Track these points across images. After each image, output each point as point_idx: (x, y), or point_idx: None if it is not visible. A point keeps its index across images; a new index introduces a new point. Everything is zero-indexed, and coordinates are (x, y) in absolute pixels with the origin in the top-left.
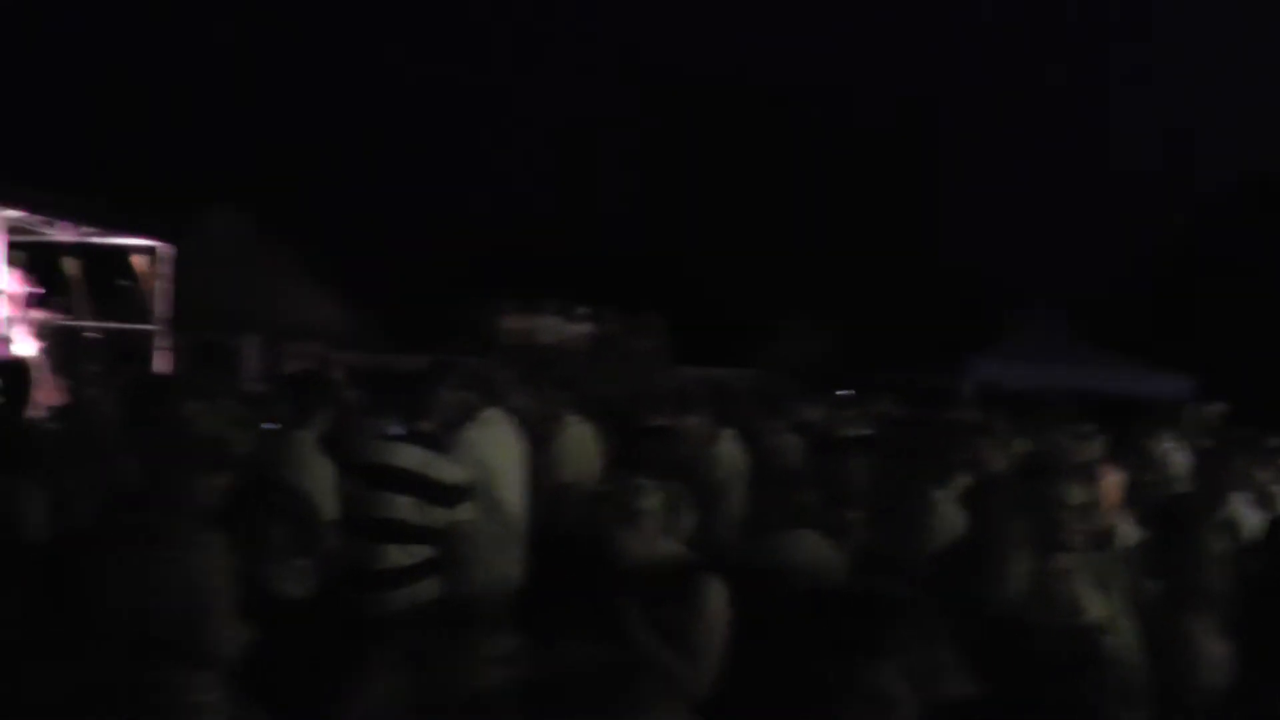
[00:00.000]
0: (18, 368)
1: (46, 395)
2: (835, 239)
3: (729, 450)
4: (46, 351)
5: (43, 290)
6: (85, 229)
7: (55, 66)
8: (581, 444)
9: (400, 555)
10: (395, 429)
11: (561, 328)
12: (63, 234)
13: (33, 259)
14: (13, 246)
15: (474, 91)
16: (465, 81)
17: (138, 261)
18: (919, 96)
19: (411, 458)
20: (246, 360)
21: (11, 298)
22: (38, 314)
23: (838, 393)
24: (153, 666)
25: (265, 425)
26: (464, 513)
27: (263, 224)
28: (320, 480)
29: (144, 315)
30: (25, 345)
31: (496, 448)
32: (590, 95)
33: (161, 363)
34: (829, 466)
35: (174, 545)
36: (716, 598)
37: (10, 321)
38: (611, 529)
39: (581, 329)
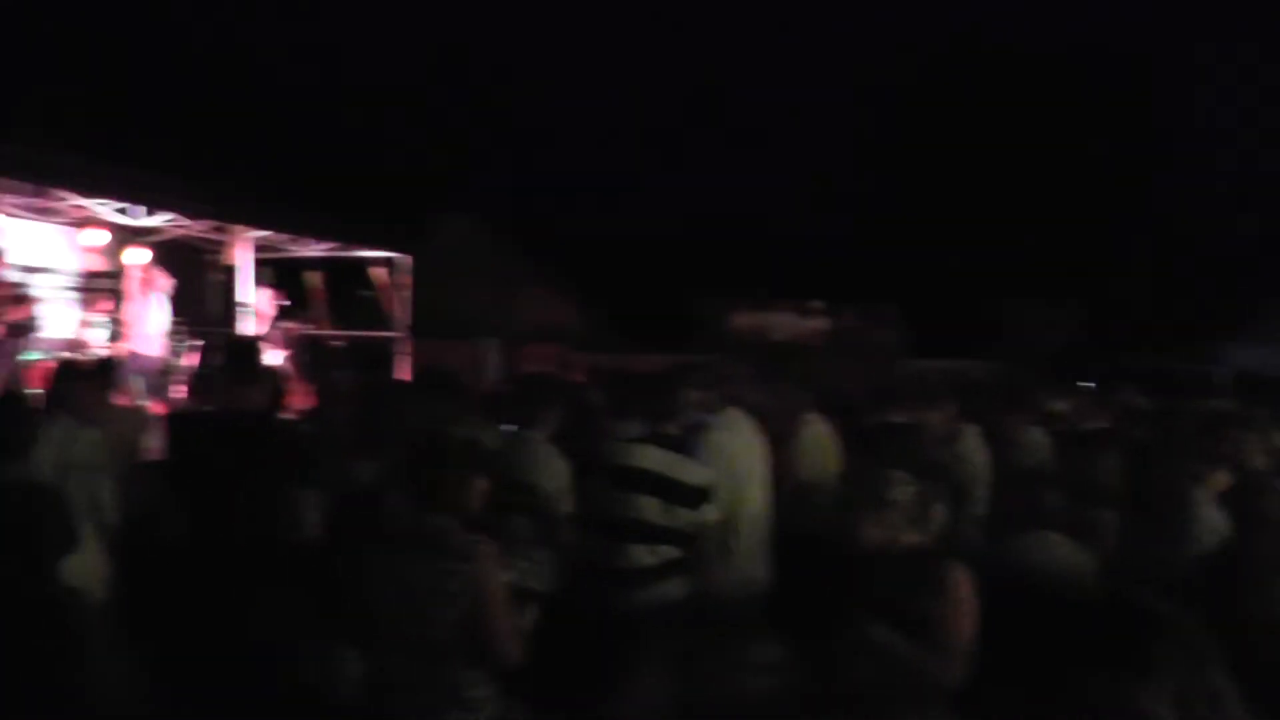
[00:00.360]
0: (278, 376)
1: (296, 401)
2: (1077, 219)
3: (972, 446)
4: (294, 360)
5: (289, 303)
6: (328, 244)
7: (291, 92)
8: (821, 442)
9: (646, 555)
10: (637, 429)
11: (795, 323)
12: (306, 250)
13: (278, 274)
14: (260, 264)
15: (699, 90)
16: (693, 79)
17: (377, 273)
18: (1171, 69)
19: (655, 459)
20: (486, 363)
21: (260, 313)
22: (285, 325)
23: (1081, 383)
24: (430, 664)
25: (504, 427)
26: (708, 513)
27: (499, 229)
28: (556, 478)
29: (385, 323)
30: (274, 354)
31: (739, 448)
32: (809, 85)
33: (403, 368)
34: (1076, 463)
35: (455, 554)
36: (964, 587)
37: (261, 333)
38: (857, 519)
39: (816, 324)
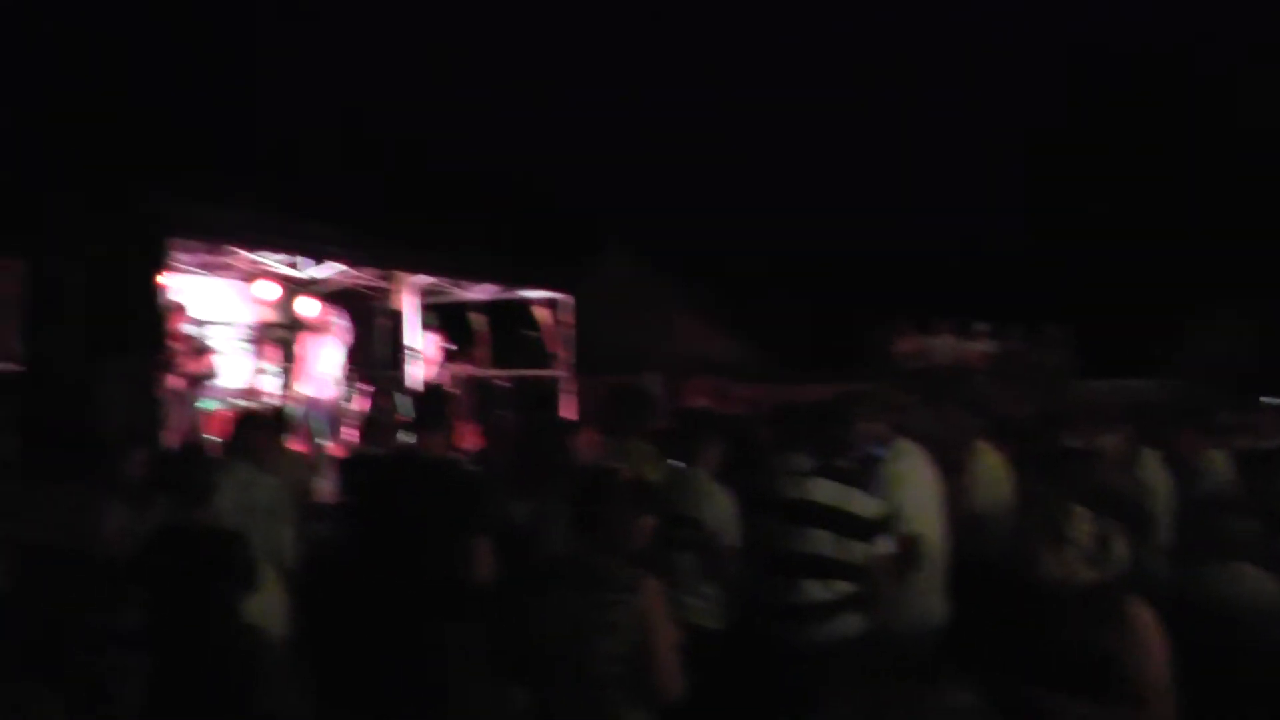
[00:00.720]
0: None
1: (464, 442)
2: (1258, 227)
3: (1151, 471)
4: (462, 401)
5: (454, 346)
6: (491, 287)
7: (448, 140)
8: (993, 472)
9: (820, 590)
10: (806, 462)
11: (959, 346)
12: (470, 293)
13: (443, 317)
14: (425, 308)
15: (857, 110)
16: (848, 99)
17: (540, 313)
18: None
19: (826, 492)
20: (650, 398)
21: (428, 357)
22: (453, 367)
23: (1263, 399)
24: (593, 697)
25: (670, 462)
26: (881, 546)
27: (656, 263)
28: (721, 514)
29: (549, 362)
30: None
31: (912, 480)
32: (968, 100)
33: (567, 406)
34: (1262, 486)
35: (618, 587)
36: (1149, 624)
37: (430, 376)
38: (1034, 555)
39: (980, 346)
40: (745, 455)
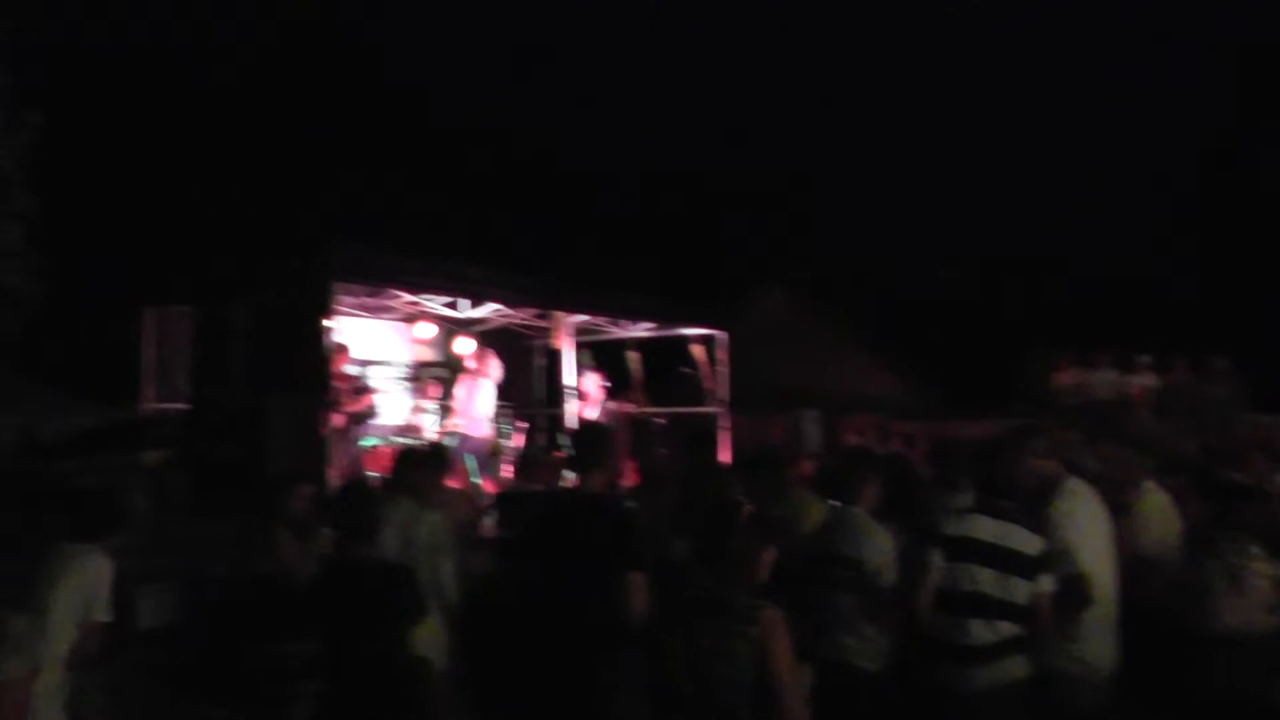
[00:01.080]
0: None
1: (623, 480)
2: None
3: None
4: (620, 439)
5: (610, 384)
6: (647, 325)
7: (602, 177)
8: (1161, 511)
9: (984, 631)
10: (967, 499)
11: (1120, 380)
12: (626, 331)
13: (598, 354)
14: (581, 346)
15: (1007, 143)
16: (1002, 127)
17: (696, 350)
18: None
19: (988, 529)
20: (807, 435)
21: (586, 394)
22: (610, 405)
23: None
24: None
25: (830, 501)
26: (1044, 584)
27: (814, 299)
28: (881, 553)
29: (705, 399)
30: None
31: (1082, 519)
32: (1131, 127)
33: (724, 444)
34: None
35: (740, 618)
36: None
37: (588, 414)
38: (1209, 601)
39: (1143, 380)
40: (905, 493)
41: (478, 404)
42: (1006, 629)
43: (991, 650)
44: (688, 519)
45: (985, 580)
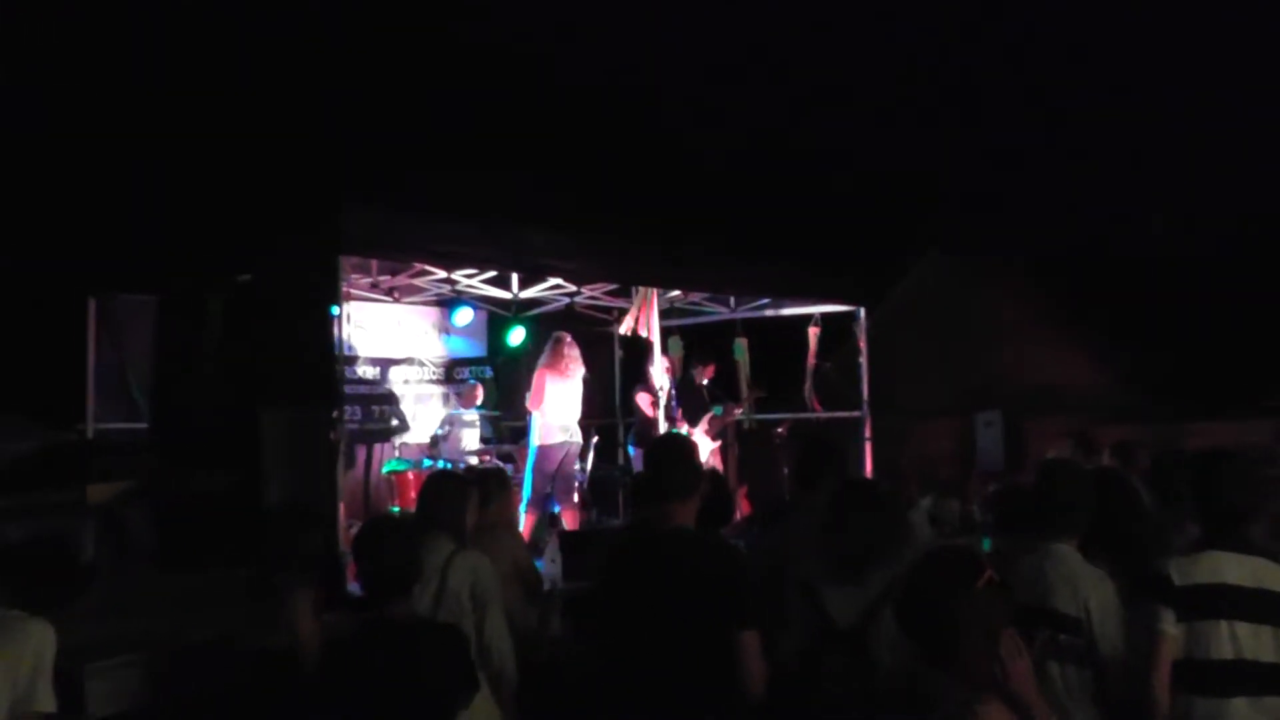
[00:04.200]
0: (717, 479)
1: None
2: None
3: None
4: (726, 454)
5: (707, 380)
6: (754, 302)
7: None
8: None
9: (1246, 711)
10: (1205, 531)
11: None
12: (726, 311)
13: (689, 343)
14: (666, 332)
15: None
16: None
17: (813, 334)
18: None
19: (1242, 571)
20: (980, 447)
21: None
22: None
23: None
24: None
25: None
26: None
27: (987, 268)
28: (1103, 606)
29: (839, 398)
30: (701, 442)
31: None
32: None
33: (865, 451)
34: None
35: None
36: None
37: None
38: None
39: None
40: (1119, 524)
41: (541, 411)
42: (1276, 705)
43: None
44: (851, 565)
45: (1245, 641)
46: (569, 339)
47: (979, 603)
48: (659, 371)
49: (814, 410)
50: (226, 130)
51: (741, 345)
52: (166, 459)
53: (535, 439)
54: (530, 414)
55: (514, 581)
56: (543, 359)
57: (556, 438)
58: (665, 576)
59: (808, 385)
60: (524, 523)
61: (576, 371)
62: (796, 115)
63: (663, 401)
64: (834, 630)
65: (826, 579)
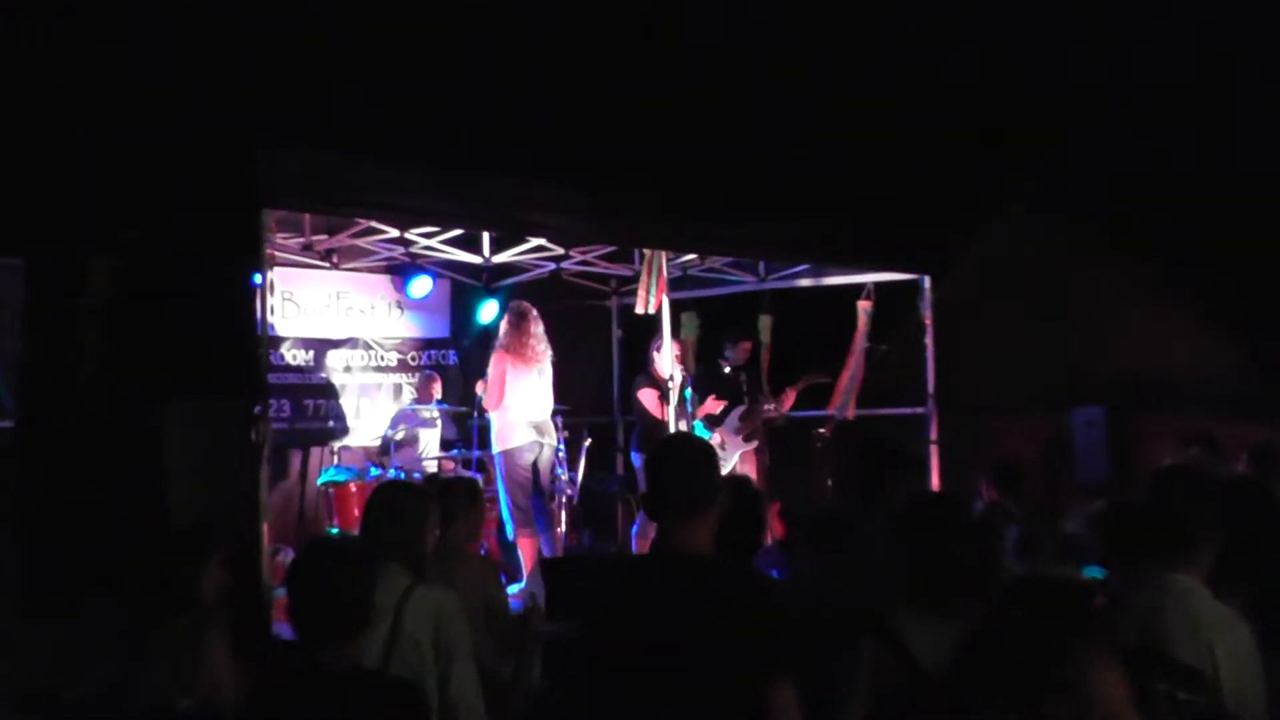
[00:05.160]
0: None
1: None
2: None
3: None
4: (760, 461)
5: (731, 367)
6: (787, 270)
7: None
8: None
9: None
10: None
11: None
12: (752, 281)
13: (708, 320)
14: (682, 308)
15: None
16: None
17: (863, 309)
18: None
19: None
20: (1084, 450)
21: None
22: (745, 407)
23: None
24: None
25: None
26: None
27: (1079, 218)
28: (1238, 657)
29: (897, 389)
30: (729, 451)
31: None
32: None
33: (930, 457)
34: None
35: None
36: None
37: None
38: None
39: None
40: (1255, 550)
41: (518, 407)
42: None
43: None
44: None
45: None
46: (533, 312)
47: (1081, 647)
48: (667, 358)
49: (847, 406)
50: (109, 50)
51: (765, 323)
52: (35, 466)
53: (497, 443)
54: (495, 410)
55: (485, 622)
56: (500, 339)
57: (524, 437)
58: (675, 615)
59: (849, 373)
60: (523, 558)
61: (544, 354)
62: (842, 25)
63: (673, 397)
64: (924, 679)
65: (906, 616)
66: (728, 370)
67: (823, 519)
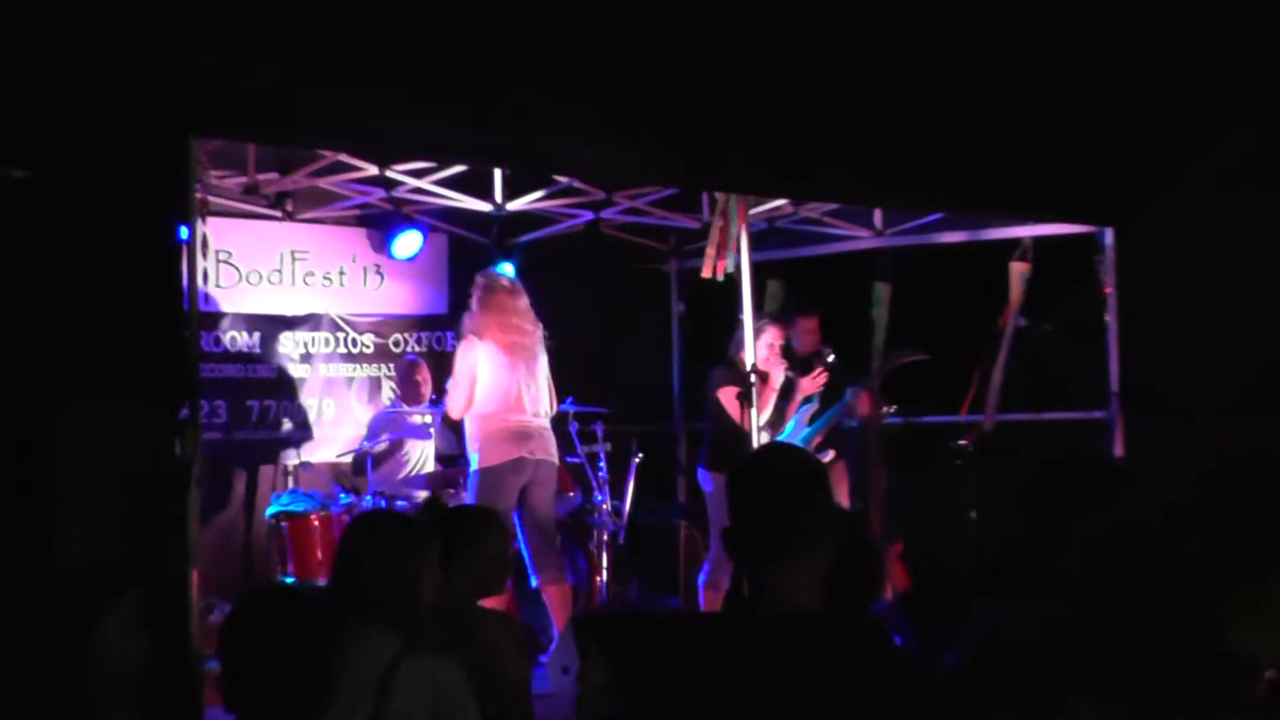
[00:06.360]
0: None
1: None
2: None
3: None
4: (873, 483)
5: (828, 353)
6: (916, 220)
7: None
8: None
9: None
10: None
11: None
12: (865, 237)
13: (795, 286)
14: (759, 270)
15: None
16: None
17: (1017, 271)
18: None
19: None
20: None
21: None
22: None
23: None
24: None
25: None
26: None
27: None
28: None
29: (1067, 385)
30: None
31: None
32: None
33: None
34: None
35: None
36: None
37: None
38: None
39: None
40: None
41: (487, 403)
42: None
43: None
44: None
45: None
46: (505, 280)
47: None
48: (750, 343)
49: (990, 403)
50: None
51: (882, 293)
52: None
53: (474, 457)
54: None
55: (500, 702)
56: (465, 321)
57: (507, 452)
58: (773, 693)
59: (998, 362)
60: (551, 613)
61: (532, 334)
62: None
63: (756, 397)
64: None
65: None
66: (803, 352)
67: (987, 565)
